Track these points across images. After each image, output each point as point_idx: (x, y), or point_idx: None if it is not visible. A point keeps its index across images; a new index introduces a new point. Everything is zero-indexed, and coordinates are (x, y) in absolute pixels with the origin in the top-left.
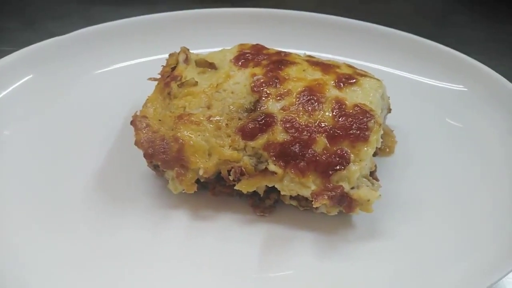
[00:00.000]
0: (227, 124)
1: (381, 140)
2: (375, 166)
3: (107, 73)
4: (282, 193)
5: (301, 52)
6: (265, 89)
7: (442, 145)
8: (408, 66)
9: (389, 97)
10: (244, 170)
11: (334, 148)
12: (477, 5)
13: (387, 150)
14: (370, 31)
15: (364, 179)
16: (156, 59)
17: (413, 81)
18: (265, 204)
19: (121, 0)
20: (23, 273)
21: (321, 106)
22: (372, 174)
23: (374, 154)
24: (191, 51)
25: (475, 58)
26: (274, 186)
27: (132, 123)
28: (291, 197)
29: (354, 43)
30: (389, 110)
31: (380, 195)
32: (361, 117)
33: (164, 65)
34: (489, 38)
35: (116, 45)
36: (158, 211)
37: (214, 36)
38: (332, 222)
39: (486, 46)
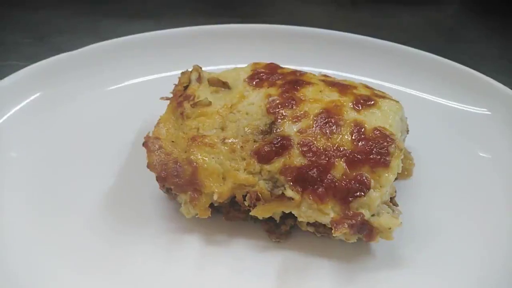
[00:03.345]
0: (242, 146)
1: (401, 164)
2: (395, 191)
3: (117, 90)
4: (299, 219)
5: (315, 70)
6: (281, 111)
7: (461, 169)
8: (426, 87)
9: (406, 117)
10: (260, 195)
11: (354, 174)
12: (490, 21)
13: (405, 173)
14: (387, 50)
15: (384, 205)
16: (167, 76)
17: (430, 102)
18: (281, 230)
19: (129, 14)
20: None
21: (339, 129)
22: (391, 199)
23: (394, 179)
24: (203, 68)
25: (488, 76)
26: (290, 211)
27: (144, 144)
28: (308, 223)
29: (370, 61)
30: (407, 131)
31: (401, 222)
32: (381, 142)
33: (176, 83)
34: (502, 55)
35: (127, 61)
36: (170, 235)
37: (226, 53)
38: (350, 249)
39: (499, 63)
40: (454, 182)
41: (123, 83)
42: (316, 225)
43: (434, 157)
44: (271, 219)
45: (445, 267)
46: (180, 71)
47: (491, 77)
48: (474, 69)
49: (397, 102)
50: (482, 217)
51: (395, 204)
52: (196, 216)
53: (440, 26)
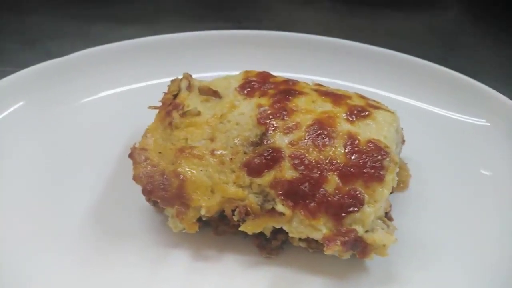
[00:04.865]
0: (231, 158)
1: (396, 178)
2: (390, 206)
3: (105, 98)
4: (290, 235)
5: (309, 77)
6: (272, 121)
7: (459, 182)
8: (423, 96)
9: (402, 128)
10: (249, 209)
11: (347, 188)
12: (491, 26)
13: (401, 185)
14: (383, 57)
15: (379, 221)
16: (157, 83)
17: (428, 112)
18: (272, 245)
19: (121, 19)
20: None
21: (332, 142)
22: (386, 214)
23: (389, 194)
24: (195, 75)
25: (487, 83)
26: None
27: (130, 155)
28: (300, 238)
29: (366, 69)
30: (403, 142)
31: (396, 239)
32: (375, 155)
33: (166, 91)
34: (503, 62)
35: (115, 68)
36: (157, 249)
37: (218, 60)
38: (344, 265)
39: (500, 71)
40: (453, 195)
41: (111, 91)
42: (308, 240)
43: (432, 169)
44: (262, 234)
45: (443, 287)
46: (170, 79)
47: (491, 86)
48: (473, 77)
49: (393, 112)
50: (480, 233)
51: (390, 219)
52: (184, 231)
53: (440, 32)
